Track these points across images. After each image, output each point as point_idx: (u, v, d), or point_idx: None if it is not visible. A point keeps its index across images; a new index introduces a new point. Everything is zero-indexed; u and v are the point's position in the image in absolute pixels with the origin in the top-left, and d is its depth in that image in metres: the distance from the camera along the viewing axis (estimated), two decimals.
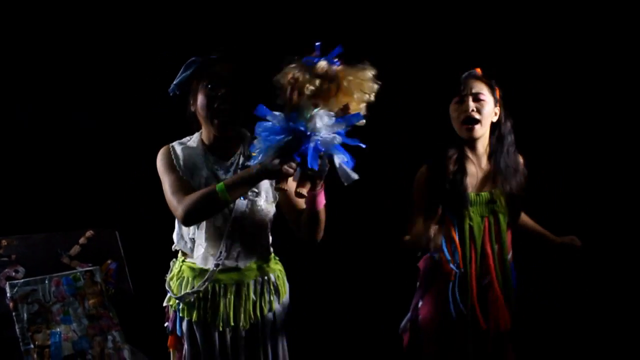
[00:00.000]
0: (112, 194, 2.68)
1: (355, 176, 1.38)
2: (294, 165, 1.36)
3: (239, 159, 1.64)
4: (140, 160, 2.11)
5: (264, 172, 1.39)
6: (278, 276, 1.72)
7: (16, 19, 2.56)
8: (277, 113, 1.39)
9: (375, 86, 1.42)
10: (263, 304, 1.67)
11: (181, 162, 1.61)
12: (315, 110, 1.38)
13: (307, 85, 1.37)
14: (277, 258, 1.78)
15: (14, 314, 2.09)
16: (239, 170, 1.60)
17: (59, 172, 2.62)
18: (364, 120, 1.41)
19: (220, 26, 2.67)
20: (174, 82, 1.61)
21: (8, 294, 2.12)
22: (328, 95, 1.39)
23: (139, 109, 2.66)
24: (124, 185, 2.68)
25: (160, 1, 2.69)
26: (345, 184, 1.39)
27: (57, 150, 2.63)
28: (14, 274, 2.19)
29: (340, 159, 1.39)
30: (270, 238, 1.75)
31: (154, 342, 2.15)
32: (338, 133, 1.39)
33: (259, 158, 1.40)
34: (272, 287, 1.69)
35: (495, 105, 1.84)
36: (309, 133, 1.35)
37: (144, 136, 2.36)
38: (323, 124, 1.36)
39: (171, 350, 1.74)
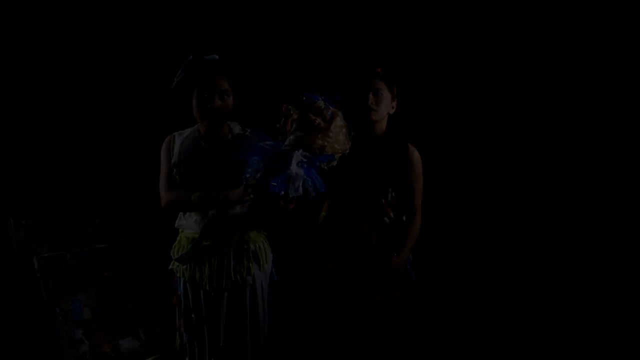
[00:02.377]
0: (124, 181, 2.84)
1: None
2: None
3: (229, 144, 1.88)
4: (151, 151, 2.23)
5: (231, 202, 1.78)
6: (259, 247, 1.95)
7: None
8: (267, 139, 1.69)
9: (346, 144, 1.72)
10: (242, 268, 1.90)
11: (177, 150, 1.88)
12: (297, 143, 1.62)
13: (299, 117, 1.66)
14: (262, 232, 1.99)
15: (41, 282, 2.39)
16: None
17: (79, 160, 2.78)
18: (335, 162, 1.70)
19: (219, 31, 2.76)
20: (174, 82, 1.84)
21: (36, 266, 2.41)
22: (316, 130, 1.65)
23: (148, 103, 2.79)
24: (135, 173, 2.79)
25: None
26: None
27: (78, 141, 2.79)
28: (40, 248, 2.47)
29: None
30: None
31: (161, 307, 2.42)
32: (311, 168, 1.62)
33: (248, 170, 1.65)
34: (250, 255, 1.92)
35: (393, 100, 2.09)
36: (287, 157, 1.59)
37: (152, 130, 2.41)
38: (299, 160, 1.61)
39: (177, 306, 1.97)
